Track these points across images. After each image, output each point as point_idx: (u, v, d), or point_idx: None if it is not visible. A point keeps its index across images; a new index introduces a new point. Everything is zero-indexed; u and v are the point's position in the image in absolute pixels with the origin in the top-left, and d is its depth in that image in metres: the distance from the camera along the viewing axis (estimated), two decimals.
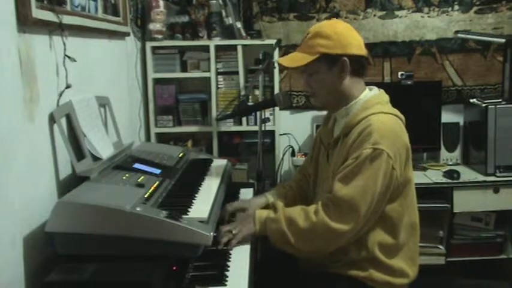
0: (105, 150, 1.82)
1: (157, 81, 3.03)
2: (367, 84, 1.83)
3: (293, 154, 3.16)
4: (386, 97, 1.79)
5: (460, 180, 2.81)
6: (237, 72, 3.00)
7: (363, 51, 1.74)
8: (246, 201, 1.94)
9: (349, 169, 1.62)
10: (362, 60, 1.75)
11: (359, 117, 1.68)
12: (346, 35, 1.72)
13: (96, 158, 1.74)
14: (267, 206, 1.91)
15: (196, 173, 2.09)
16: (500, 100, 2.88)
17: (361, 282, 1.70)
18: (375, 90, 1.79)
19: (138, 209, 1.39)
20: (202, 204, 1.66)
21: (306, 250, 1.67)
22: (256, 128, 2.74)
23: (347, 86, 1.73)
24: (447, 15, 3.18)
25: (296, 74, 3.15)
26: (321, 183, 1.85)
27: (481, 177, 2.83)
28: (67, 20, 1.63)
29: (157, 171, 1.83)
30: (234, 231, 1.70)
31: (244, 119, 3.03)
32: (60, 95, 1.65)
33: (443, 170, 2.92)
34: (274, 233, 1.68)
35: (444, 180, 2.82)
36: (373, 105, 1.70)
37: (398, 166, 1.63)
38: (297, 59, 1.76)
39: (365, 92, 1.76)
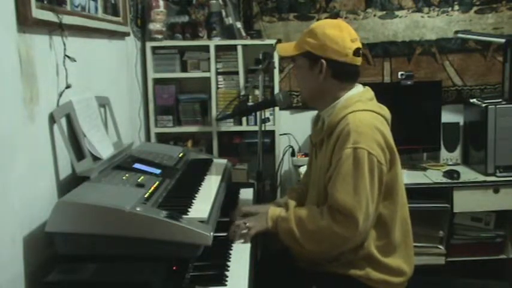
0: (105, 150, 1.82)
1: (157, 81, 3.02)
2: (367, 84, 1.84)
3: (293, 154, 3.16)
4: (369, 94, 1.79)
5: (460, 180, 2.81)
6: (237, 72, 2.99)
7: (347, 58, 1.71)
8: (261, 207, 1.94)
9: (336, 173, 1.63)
10: (346, 68, 1.73)
11: (339, 116, 1.69)
12: (332, 39, 1.70)
13: (96, 158, 1.74)
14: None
15: (196, 173, 2.09)
16: (500, 100, 2.88)
17: (359, 281, 1.72)
18: (359, 87, 1.80)
19: (138, 209, 1.39)
20: (202, 204, 1.66)
21: (313, 250, 1.70)
22: (256, 128, 2.74)
23: (328, 87, 1.75)
24: (447, 15, 3.18)
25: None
26: (312, 182, 1.87)
27: (481, 177, 2.83)
28: (67, 20, 1.63)
29: (157, 171, 1.83)
30: (248, 225, 1.76)
31: (244, 119, 3.03)
32: (60, 95, 1.65)
33: (443, 170, 2.92)
34: (283, 231, 1.72)
35: (444, 180, 2.82)
36: (353, 104, 1.71)
37: (383, 159, 1.64)
38: (288, 49, 1.82)
39: (349, 91, 1.76)
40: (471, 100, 3.05)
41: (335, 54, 1.71)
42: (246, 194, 2.29)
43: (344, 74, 1.74)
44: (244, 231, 1.75)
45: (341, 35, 1.72)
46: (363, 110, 1.69)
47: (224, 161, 2.38)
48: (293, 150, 3.17)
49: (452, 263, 2.90)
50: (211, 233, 1.43)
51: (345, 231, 1.61)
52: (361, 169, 1.60)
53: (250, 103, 2.96)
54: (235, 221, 1.80)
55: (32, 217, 1.45)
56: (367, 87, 1.82)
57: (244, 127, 3.05)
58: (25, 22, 1.40)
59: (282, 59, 3.10)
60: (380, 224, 1.70)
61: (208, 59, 2.97)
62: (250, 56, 3.03)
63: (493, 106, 2.82)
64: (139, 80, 2.89)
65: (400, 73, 3.13)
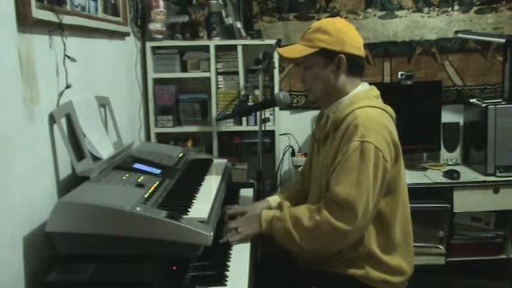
0: (105, 150, 1.82)
1: (157, 81, 3.03)
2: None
3: (293, 154, 3.16)
4: (375, 92, 1.80)
5: (460, 180, 2.81)
6: (237, 72, 3.00)
7: (360, 51, 1.75)
8: (247, 206, 1.95)
9: (340, 165, 1.63)
10: (359, 61, 1.76)
11: (346, 111, 1.70)
12: (346, 34, 1.73)
13: (96, 158, 1.74)
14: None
15: (196, 173, 2.09)
16: (500, 100, 2.88)
17: (359, 281, 1.71)
18: (365, 85, 1.81)
19: (138, 209, 1.39)
20: (202, 204, 1.66)
21: (311, 249, 1.69)
22: (256, 128, 2.74)
23: (341, 83, 1.75)
24: (447, 15, 3.18)
25: (295, 75, 3.15)
26: (313, 179, 1.87)
27: (481, 177, 2.83)
28: (67, 20, 1.63)
29: (157, 171, 1.83)
30: (239, 230, 1.74)
31: (244, 119, 3.03)
32: (60, 95, 1.65)
33: (443, 170, 2.92)
34: (279, 231, 1.70)
35: (444, 180, 2.82)
36: (359, 100, 1.72)
37: (389, 156, 1.64)
38: (296, 50, 1.79)
39: (356, 88, 1.77)
40: (471, 100, 3.05)
41: (352, 48, 1.72)
42: (246, 194, 2.29)
43: (357, 67, 1.76)
44: (236, 237, 1.72)
45: (351, 29, 1.76)
46: (370, 107, 1.69)
47: (224, 161, 2.38)
48: (293, 150, 3.17)
49: (452, 263, 2.90)
50: (211, 233, 1.43)
51: (344, 224, 1.60)
52: (366, 163, 1.60)
53: (250, 103, 2.96)
54: (227, 225, 1.79)
55: (32, 217, 1.45)
56: (373, 86, 1.83)
57: (244, 127, 3.05)
58: (25, 22, 1.40)
59: (282, 59, 3.10)
60: (380, 221, 1.70)
61: (208, 59, 2.97)
62: (250, 56, 3.03)
63: (493, 106, 2.82)
64: (139, 80, 2.89)
65: (400, 73, 3.13)
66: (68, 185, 1.62)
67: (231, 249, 1.68)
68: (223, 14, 2.98)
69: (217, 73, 3.01)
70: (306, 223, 1.65)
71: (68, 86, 1.67)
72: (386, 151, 1.63)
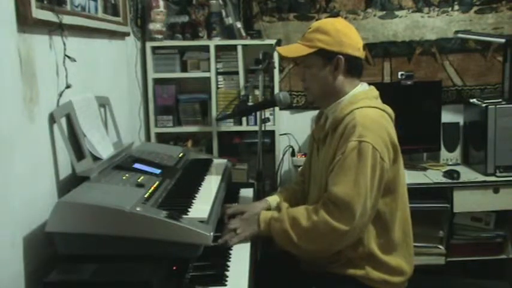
0: (105, 150, 1.82)
1: (157, 81, 3.03)
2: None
3: (293, 154, 3.16)
4: (375, 93, 1.80)
5: (460, 180, 2.81)
6: (237, 72, 3.00)
7: (359, 52, 1.75)
8: (246, 205, 1.94)
9: (338, 165, 1.63)
10: (357, 62, 1.76)
11: (345, 111, 1.70)
12: (345, 34, 1.73)
13: (96, 158, 1.74)
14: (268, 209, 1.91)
15: (196, 173, 2.09)
16: (500, 100, 2.88)
17: (359, 281, 1.71)
18: (364, 86, 1.81)
19: (138, 209, 1.39)
20: (202, 204, 1.66)
21: (309, 249, 1.68)
22: (256, 128, 2.74)
23: (340, 84, 1.75)
24: (447, 15, 3.18)
25: (295, 75, 3.15)
26: (313, 179, 1.87)
27: (481, 177, 2.83)
28: (67, 20, 1.63)
29: (157, 171, 1.83)
30: (238, 231, 1.73)
31: (244, 119, 3.03)
32: (60, 95, 1.65)
33: (443, 170, 2.92)
34: (277, 232, 1.70)
35: (444, 180, 2.82)
36: (359, 100, 1.72)
37: (387, 157, 1.64)
38: (295, 49, 1.79)
39: (355, 89, 1.77)
40: (471, 100, 3.05)
41: (351, 49, 1.72)
42: (246, 194, 2.28)
43: (355, 68, 1.76)
44: (235, 239, 1.72)
45: (351, 30, 1.76)
46: (369, 107, 1.69)
47: (224, 161, 2.38)
48: (293, 150, 3.17)
49: (452, 263, 2.90)
50: (211, 233, 1.43)
51: (341, 224, 1.59)
52: (364, 163, 1.60)
53: (250, 103, 2.96)
54: (226, 225, 1.78)
55: (32, 217, 1.45)
56: (372, 86, 1.83)
57: (244, 127, 3.05)
58: (25, 22, 1.40)
59: (282, 59, 3.10)
60: (380, 222, 1.70)
61: (208, 59, 2.97)
62: (250, 56, 3.03)
63: (493, 106, 2.82)
64: (139, 80, 2.89)
65: (400, 73, 3.13)
66: (68, 185, 1.63)
67: (231, 249, 1.68)
68: (223, 14, 2.98)
69: (217, 73, 3.01)
70: (304, 223, 1.65)
71: (68, 86, 1.67)
72: (384, 151, 1.63)
